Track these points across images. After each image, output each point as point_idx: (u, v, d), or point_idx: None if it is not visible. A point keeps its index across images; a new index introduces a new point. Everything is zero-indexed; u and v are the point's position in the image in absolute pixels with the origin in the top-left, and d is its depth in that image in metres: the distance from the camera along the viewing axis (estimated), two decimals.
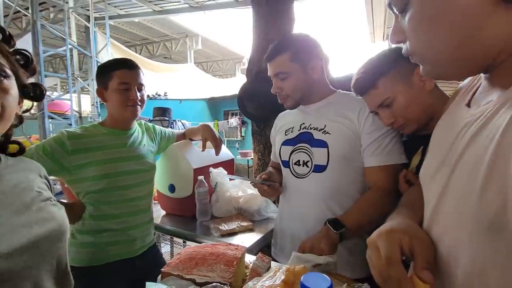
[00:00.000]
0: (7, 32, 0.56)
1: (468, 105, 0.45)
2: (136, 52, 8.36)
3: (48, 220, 0.56)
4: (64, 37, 4.60)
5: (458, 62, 0.39)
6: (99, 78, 1.09)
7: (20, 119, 0.63)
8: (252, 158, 6.36)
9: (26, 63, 0.60)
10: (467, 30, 0.35)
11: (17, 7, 4.46)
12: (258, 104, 1.71)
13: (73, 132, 1.04)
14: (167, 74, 7.37)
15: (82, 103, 5.65)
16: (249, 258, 0.89)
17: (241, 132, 7.76)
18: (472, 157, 0.36)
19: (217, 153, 1.37)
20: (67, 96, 4.97)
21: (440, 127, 0.51)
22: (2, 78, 0.52)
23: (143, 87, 1.11)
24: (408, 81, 0.78)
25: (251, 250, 1.07)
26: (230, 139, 7.95)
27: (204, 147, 1.35)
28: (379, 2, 4.60)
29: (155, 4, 5.76)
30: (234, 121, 7.53)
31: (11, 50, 0.57)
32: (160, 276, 0.75)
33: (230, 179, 1.44)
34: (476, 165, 0.34)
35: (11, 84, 0.55)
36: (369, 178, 0.94)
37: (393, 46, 0.65)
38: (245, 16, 5.99)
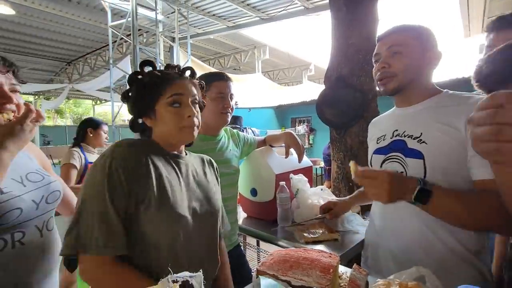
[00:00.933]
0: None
1: None
2: (209, 65, 9.14)
3: None
4: (156, 57, 5.34)
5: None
6: None
7: None
8: (321, 166, 6.22)
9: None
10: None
11: (122, 35, 5.39)
12: (338, 111, 1.66)
13: None
14: (237, 84, 7.79)
15: None
16: (341, 269, 0.87)
17: (309, 140, 7.65)
18: None
19: (300, 160, 1.38)
20: None
21: None
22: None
23: (233, 97, 1.22)
24: None
25: (341, 259, 1.04)
26: (304, 147, 7.90)
27: (287, 153, 1.39)
28: None
29: (229, 21, 6.22)
30: (301, 128, 7.48)
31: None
32: (254, 273, 0.79)
33: None
34: None
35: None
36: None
37: None
38: (313, 22, 5.95)
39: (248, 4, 5.44)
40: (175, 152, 0.84)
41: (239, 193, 1.64)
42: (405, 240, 0.88)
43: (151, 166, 0.74)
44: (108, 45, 5.84)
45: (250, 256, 2.59)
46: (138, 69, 0.82)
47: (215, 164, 0.98)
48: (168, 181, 0.75)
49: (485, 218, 0.70)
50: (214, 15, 6.00)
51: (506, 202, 0.56)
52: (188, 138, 0.81)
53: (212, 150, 1.22)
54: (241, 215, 1.63)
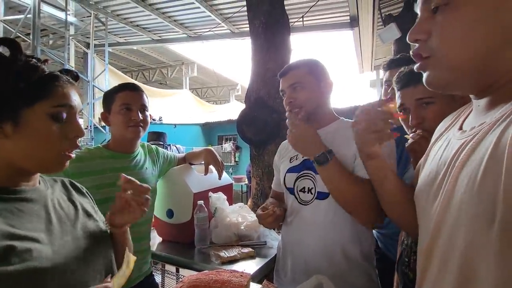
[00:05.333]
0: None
1: (461, 128, 0.50)
2: (132, 78, 8.52)
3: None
4: (63, 62, 4.68)
5: (475, 72, 0.43)
6: (104, 104, 1.12)
7: None
8: (246, 183, 6.34)
9: None
10: (494, 45, 0.40)
11: (17, 33, 4.56)
12: (256, 129, 1.74)
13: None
14: (162, 99, 7.48)
15: None
16: (253, 286, 0.87)
17: (235, 157, 7.76)
18: (470, 168, 0.40)
19: (220, 177, 1.37)
20: None
21: (434, 152, 0.56)
22: None
23: (146, 109, 1.13)
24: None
25: (254, 277, 1.04)
26: (224, 164, 7.92)
27: (206, 171, 1.36)
28: (366, 36, 4.92)
29: (154, 34, 5.99)
30: (228, 146, 7.56)
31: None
32: None
33: None
34: (472, 177, 0.39)
35: None
36: None
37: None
38: (240, 45, 6.26)
39: (174, 20, 5.37)
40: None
41: (154, 215, 1.52)
42: (311, 251, 0.95)
43: None
44: None
45: (169, 284, 2.38)
46: None
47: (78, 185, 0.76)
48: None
49: (361, 200, 0.83)
50: (137, 25, 5.69)
51: (378, 196, 0.71)
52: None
53: (124, 169, 1.09)
54: (157, 239, 1.50)
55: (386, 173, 0.66)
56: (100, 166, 1.05)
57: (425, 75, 0.48)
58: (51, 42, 6.09)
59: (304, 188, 0.99)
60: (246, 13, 2.09)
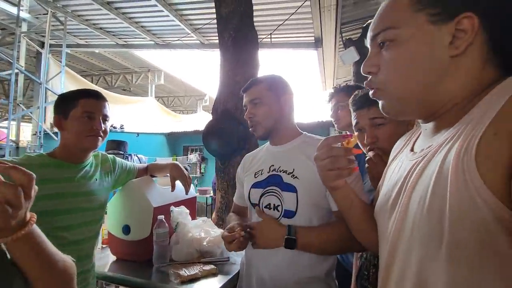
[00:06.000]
0: None
1: (412, 150, 0.55)
2: (92, 82, 8.02)
3: None
4: (11, 61, 4.26)
5: (419, 102, 0.48)
6: (60, 107, 1.02)
7: None
8: (211, 196, 6.19)
9: None
10: (433, 78, 0.46)
11: None
12: (222, 141, 1.72)
13: (10, 161, 0.92)
14: (124, 106, 7.12)
15: (21, 133, 5.07)
16: None
17: (200, 169, 7.58)
18: (421, 187, 0.44)
19: (187, 192, 1.33)
20: (5, 123, 4.45)
21: (390, 172, 0.60)
22: None
23: (107, 119, 1.07)
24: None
25: None
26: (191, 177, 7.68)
27: (173, 187, 1.30)
28: (329, 57, 5.23)
29: (119, 38, 5.74)
30: (194, 157, 7.37)
31: None
32: None
33: None
34: (423, 197, 0.43)
35: None
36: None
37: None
38: (210, 56, 6.26)
39: (142, 26, 5.21)
40: None
41: (108, 232, 1.40)
42: (275, 267, 0.94)
43: None
44: None
45: None
46: None
47: None
48: None
49: (339, 244, 0.87)
50: (101, 28, 5.42)
51: (348, 223, 0.72)
52: None
53: (68, 179, 1.00)
54: (110, 258, 1.37)
55: (352, 201, 0.68)
56: (39, 176, 0.94)
57: (380, 103, 0.53)
58: None
59: (269, 204, 0.98)
60: (216, 25, 2.10)
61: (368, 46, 0.53)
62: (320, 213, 0.94)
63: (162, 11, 4.50)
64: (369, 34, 0.51)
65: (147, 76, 8.38)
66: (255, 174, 1.05)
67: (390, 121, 0.81)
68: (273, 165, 1.02)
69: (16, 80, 4.88)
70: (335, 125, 1.46)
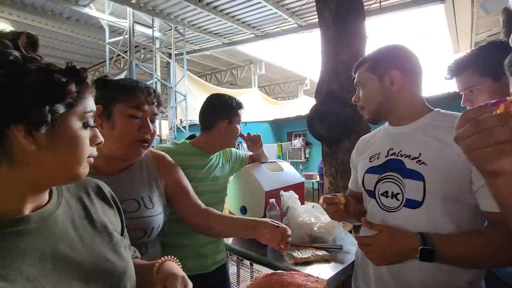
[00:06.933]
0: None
1: None
2: (206, 81, 9.24)
3: None
4: (152, 72, 5.39)
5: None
6: (224, 113, 1.24)
7: None
8: (317, 181, 6.17)
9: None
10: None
11: (119, 52, 5.46)
12: (329, 125, 1.65)
13: (164, 147, 1.20)
14: None
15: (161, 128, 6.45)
16: None
17: (305, 154, 7.63)
18: None
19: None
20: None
21: None
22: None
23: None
24: None
25: (329, 283, 0.99)
26: (293, 160, 7.89)
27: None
28: (463, 8, 4.13)
29: (224, 37, 6.34)
30: (297, 142, 7.48)
31: None
32: None
33: None
34: None
35: None
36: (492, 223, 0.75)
37: None
38: (308, 38, 6.08)
39: (243, 22, 5.56)
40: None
41: (229, 210, 1.60)
42: (396, 264, 0.83)
43: None
44: (105, 61, 5.91)
45: (243, 275, 2.51)
46: None
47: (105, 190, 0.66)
48: None
49: (494, 257, 0.71)
50: (210, 32, 6.11)
51: (509, 222, 0.53)
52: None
53: (201, 166, 1.22)
54: None
55: None
56: (181, 161, 1.15)
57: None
58: (142, 56, 7.10)
59: (387, 192, 0.86)
60: (313, 4, 2.00)
61: None
62: (456, 210, 0.76)
63: (260, 2, 4.67)
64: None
65: (250, 69, 8.95)
66: (370, 158, 0.95)
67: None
68: (392, 149, 0.89)
69: (156, 87, 6.20)
70: None
